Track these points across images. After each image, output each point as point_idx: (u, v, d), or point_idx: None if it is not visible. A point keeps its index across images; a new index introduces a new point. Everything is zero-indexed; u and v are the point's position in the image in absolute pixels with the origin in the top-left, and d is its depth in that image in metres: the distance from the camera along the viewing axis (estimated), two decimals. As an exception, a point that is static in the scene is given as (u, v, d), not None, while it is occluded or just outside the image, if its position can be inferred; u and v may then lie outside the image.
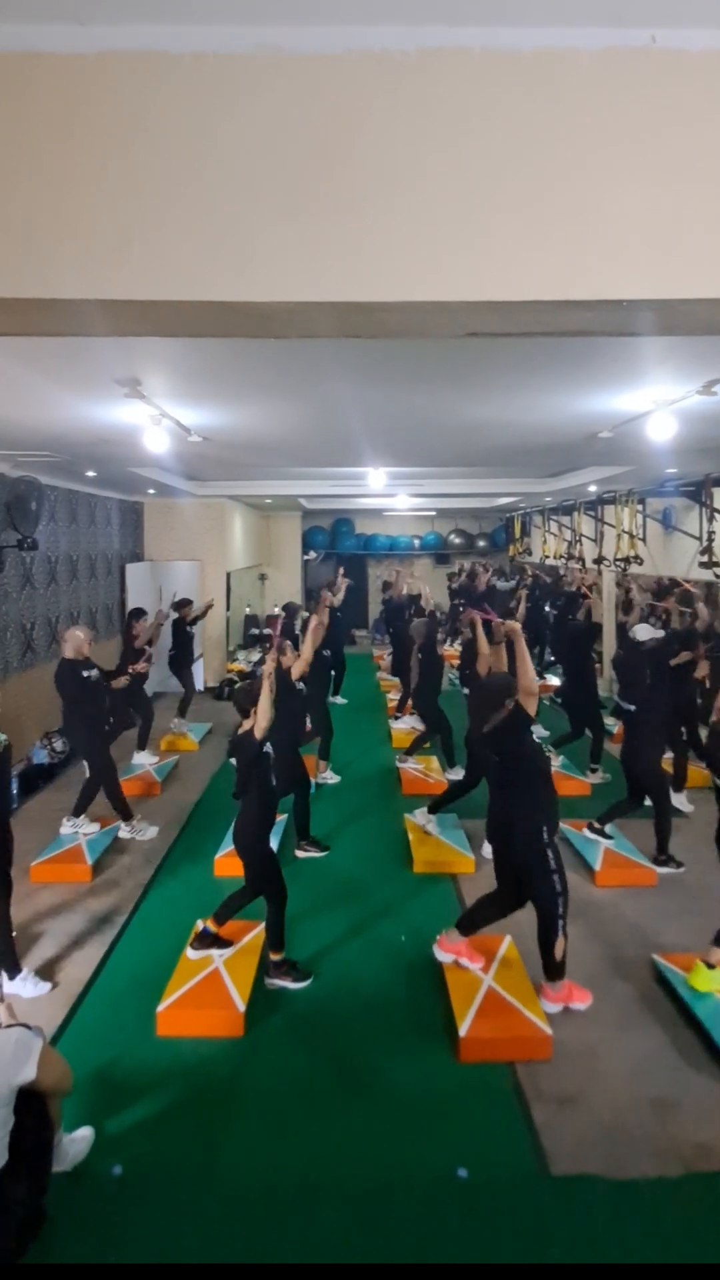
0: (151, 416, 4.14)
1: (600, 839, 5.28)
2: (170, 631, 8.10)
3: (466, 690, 6.42)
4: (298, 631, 8.11)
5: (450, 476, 9.23)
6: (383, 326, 1.75)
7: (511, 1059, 3.29)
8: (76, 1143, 2.77)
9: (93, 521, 9.01)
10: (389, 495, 11.25)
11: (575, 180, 1.53)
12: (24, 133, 1.51)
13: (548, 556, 12.29)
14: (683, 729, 6.30)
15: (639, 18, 1.47)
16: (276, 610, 13.10)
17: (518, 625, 3.87)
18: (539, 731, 3.66)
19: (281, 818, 5.35)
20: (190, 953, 3.87)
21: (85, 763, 5.73)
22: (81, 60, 1.50)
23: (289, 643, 5.16)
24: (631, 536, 8.78)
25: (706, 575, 7.22)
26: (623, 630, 6.47)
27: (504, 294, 1.55)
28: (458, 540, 16.18)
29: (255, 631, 13.41)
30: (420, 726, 7.45)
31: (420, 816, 5.67)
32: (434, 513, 15.74)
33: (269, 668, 3.87)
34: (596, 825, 5.34)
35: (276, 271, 1.54)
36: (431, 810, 5.63)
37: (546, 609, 10.34)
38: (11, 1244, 2.31)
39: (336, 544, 16.23)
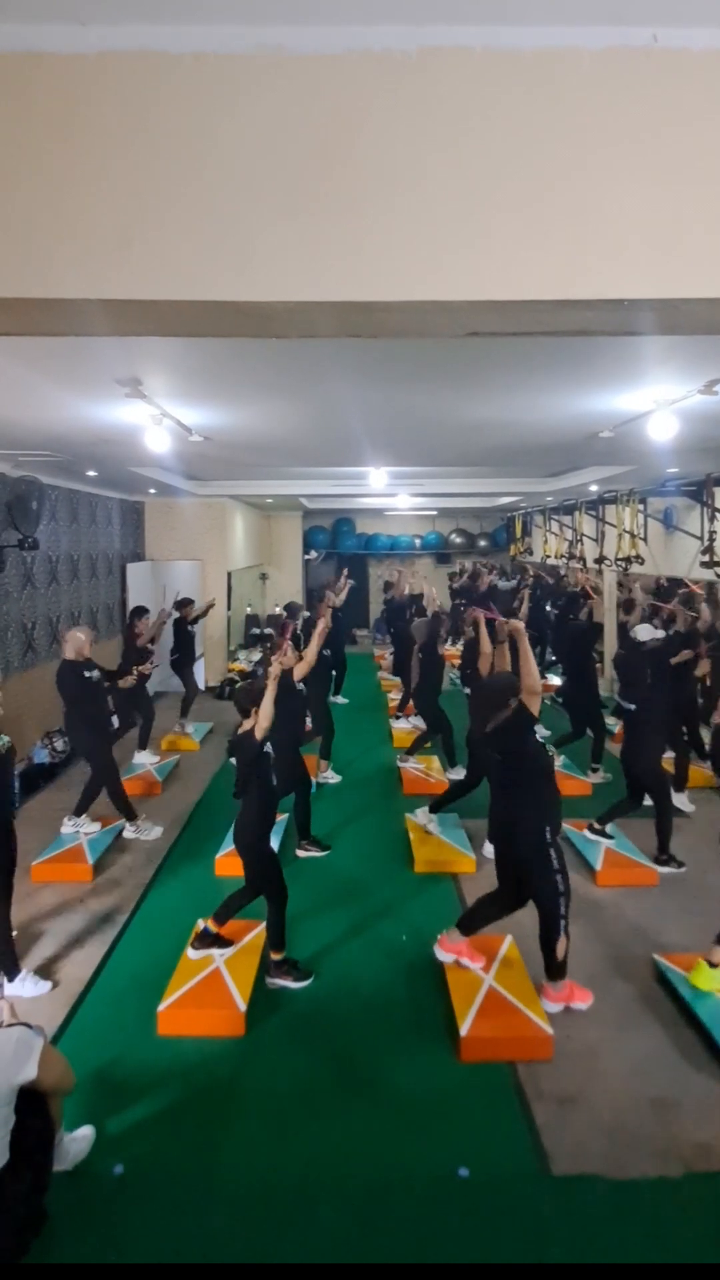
0: (152, 416, 4.14)
1: (601, 839, 5.28)
2: (171, 631, 8.10)
3: (468, 690, 6.42)
4: (299, 630, 8.12)
5: (451, 476, 9.22)
6: (383, 326, 1.75)
7: (512, 1059, 3.29)
8: (77, 1142, 2.78)
9: (93, 521, 9.02)
10: (390, 495, 11.25)
11: (575, 180, 1.53)
12: (24, 133, 1.51)
13: (549, 556, 12.28)
14: (684, 729, 6.30)
15: (640, 17, 1.47)
16: (277, 610, 13.13)
17: (521, 624, 3.87)
18: (540, 731, 3.66)
19: (282, 817, 5.36)
20: (191, 952, 3.87)
21: (88, 763, 5.73)
22: (81, 60, 1.50)
23: (289, 643, 5.15)
24: (633, 536, 8.77)
25: (708, 575, 7.21)
26: (623, 630, 6.47)
27: (504, 293, 1.55)
28: (459, 540, 16.17)
29: (256, 631, 13.41)
30: (423, 726, 7.45)
31: (421, 816, 5.68)
32: (435, 512, 15.74)
33: (275, 670, 3.89)
34: (597, 826, 5.34)
35: (277, 271, 1.53)
36: (433, 810, 5.63)
37: (547, 609, 10.34)
38: (12, 1243, 2.31)
39: (337, 543, 16.23)
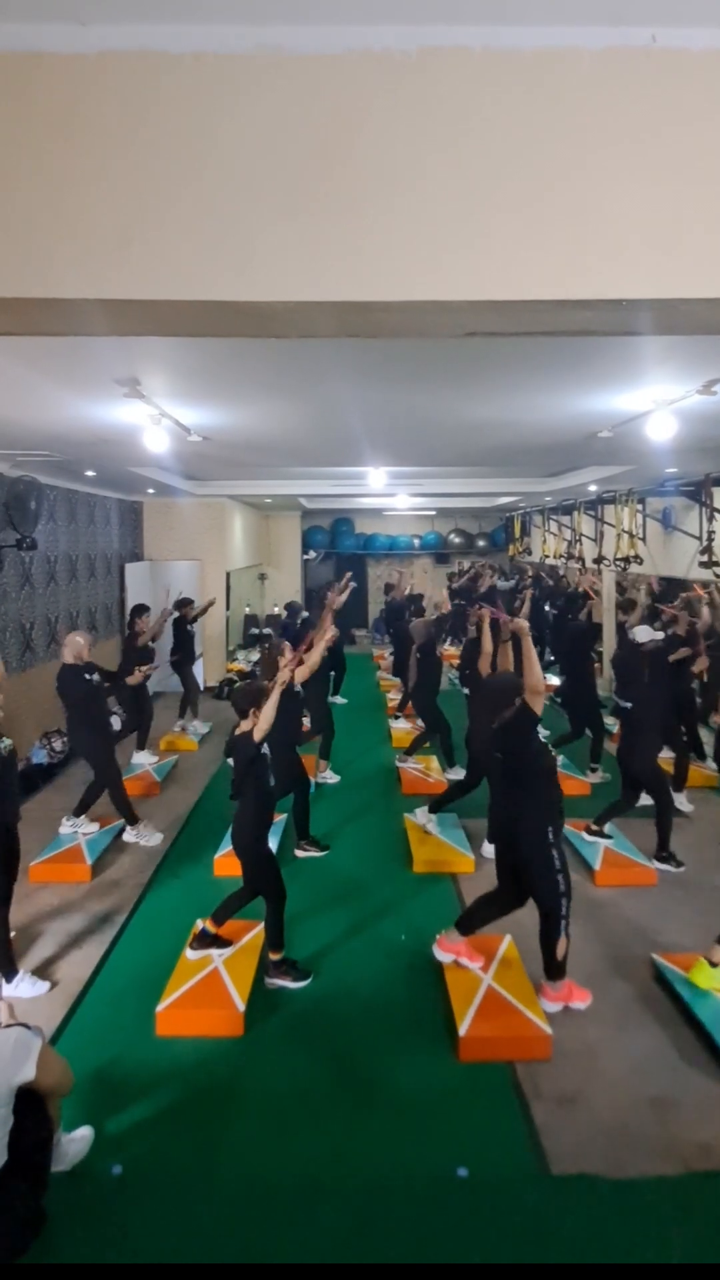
0: (151, 416, 4.14)
1: (600, 839, 5.28)
2: (171, 631, 8.10)
3: (466, 690, 6.42)
4: (300, 623, 8.14)
5: (450, 476, 9.23)
6: (383, 326, 1.75)
7: (511, 1058, 3.29)
8: (76, 1142, 2.77)
9: (92, 521, 9.01)
10: (389, 495, 11.26)
11: (575, 180, 1.53)
12: (24, 133, 1.51)
13: (547, 556, 12.29)
14: (683, 729, 6.30)
15: (639, 17, 1.47)
16: (276, 610, 13.13)
17: (525, 624, 3.86)
18: (539, 731, 3.66)
19: (281, 817, 5.36)
20: (189, 953, 3.87)
21: (90, 766, 5.72)
22: (82, 60, 1.50)
23: (288, 644, 5.14)
24: (631, 536, 8.78)
25: (706, 575, 7.22)
26: (622, 630, 6.47)
27: (504, 293, 1.55)
28: (458, 540, 16.18)
29: (255, 631, 13.41)
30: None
31: (421, 816, 5.68)
32: (434, 512, 15.75)
33: (285, 677, 3.92)
34: (595, 827, 5.34)
35: (276, 271, 1.54)
36: (432, 810, 5.64)
37: (546, 608, 10.35)
38: (11, 1243, 2.31)
39: (336, 543, 16.24)
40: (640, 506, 9.00)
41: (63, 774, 7.20)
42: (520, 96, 1.51)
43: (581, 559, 10.60)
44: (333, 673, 8.55)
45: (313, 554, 15.97)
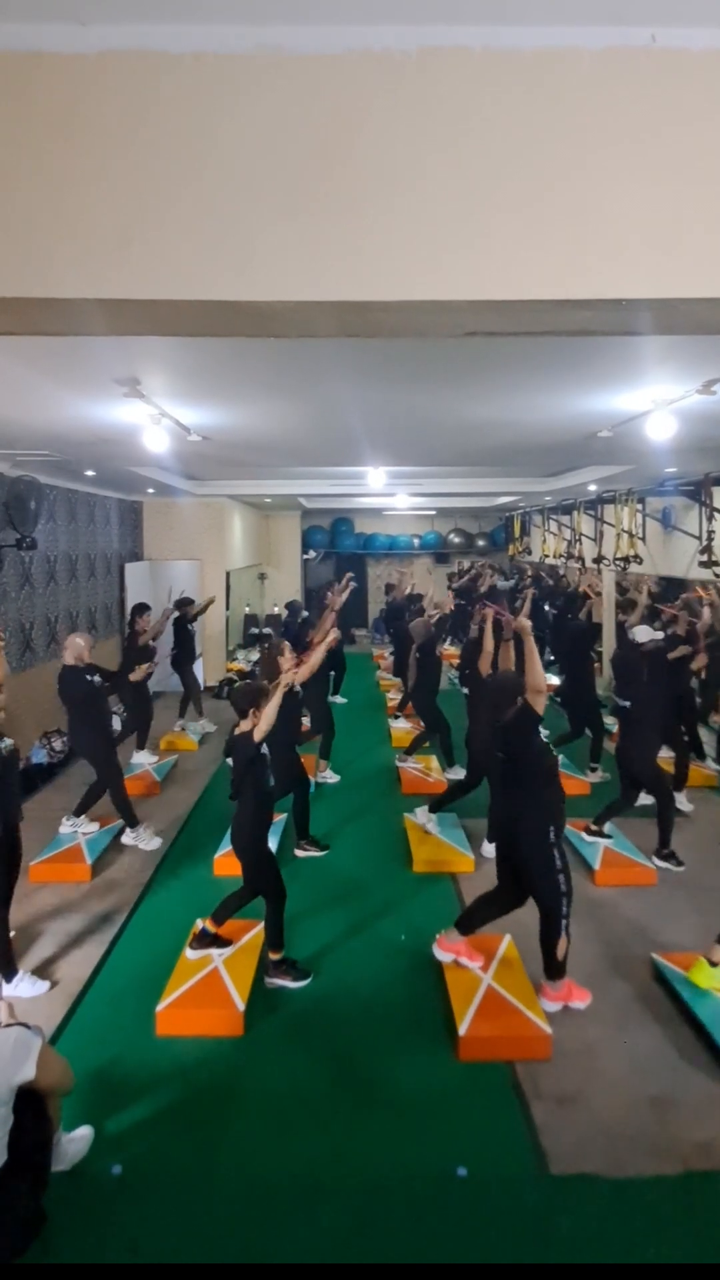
0: (151, 416, 4.14)
1: (599, 839, 5.28)
2: (171, 630, 8.10)
3: (465, 690, 6.42)
4: (300, 622, 8.14)
5: (450, 476, 9.23)
6: (382, 326, 1.75)
7: (511, 1058, 3.29)
8: (76, 1142, 2.77)
9: (92, 521, 9.01)
10: (388, 494, 11.25)
11: (575, 180, 1.53)
12: (24, 133, 1.51)
13: (547, 556, 12.29)
14: (682, 728, 6.31)
15: (639, 17, 1.47)
16: (276, 610, 13.13)
17: (528, 623, 3.87)
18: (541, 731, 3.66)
19: (281, 817, 5.36)
20: (189, 952, 3.87)
21: (92, 767, 5.70)
22: (82, 60, 1.50)
23: (287, 644, 5.14)
24: (631, 536, 8.78)
25: (706, 574, 7.22)
26: (622, 630, 6.47)
27: (504, 293, 1.55)
28: (457, 539, 16.18)
29: (254, 631, 13.41)
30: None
31: (421, 815, 5.68)
32: (433, 512, 15.74)
33: (288, 679, 3.93)
34: (594, 827, 5.34)
35: (276, 271, 1.54)
36: (433, 809, 5.64)
37: (546, 608, 10.35)
38: (11, 1243, 2.31)
39: (336, 543, 16.24)
40: (640, 506, 9.00)
41: (63, 774, 7.20)
42: (520, 96, 1.51)
43: (581, 559, 10.60)
44: (332, 673, 8.56)
45: (312, 554, 15.97)
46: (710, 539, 6.93)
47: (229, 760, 3.86)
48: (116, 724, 7.00)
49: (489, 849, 5.10)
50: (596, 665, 8.43)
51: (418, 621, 7.18)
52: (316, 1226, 2.53)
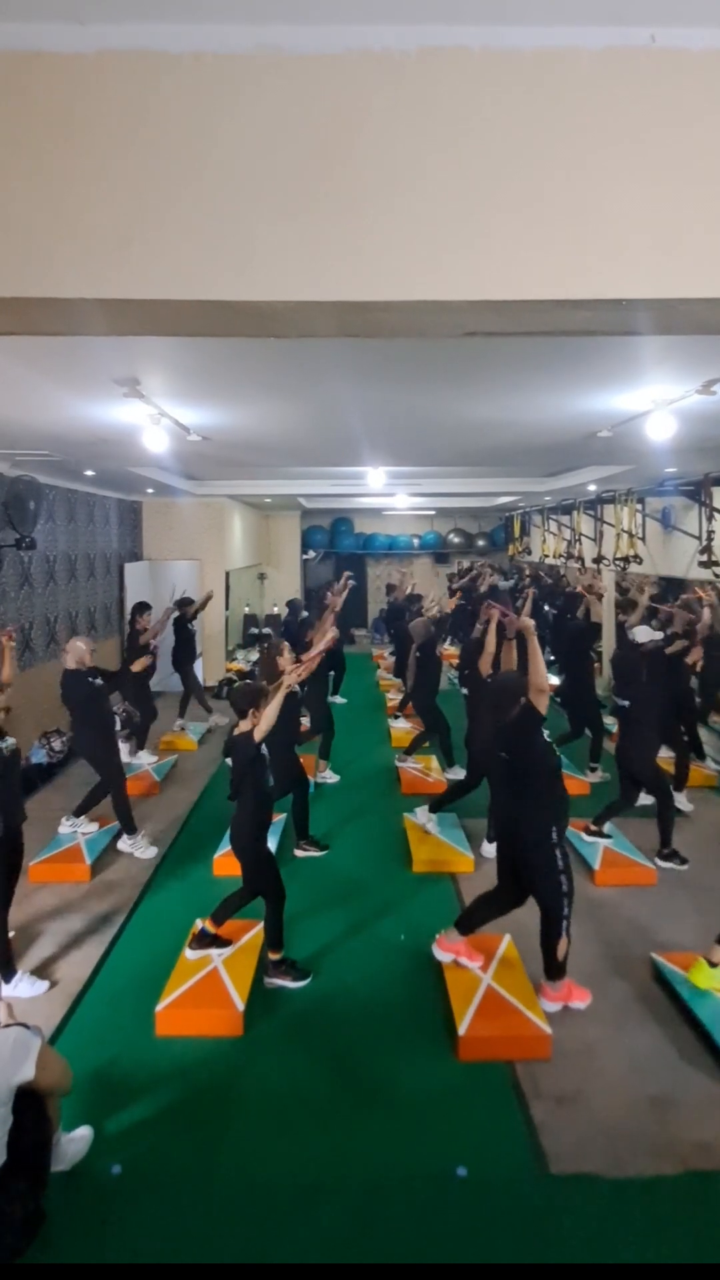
0: (150, 416, 4.13)
1: (599, 839, 5.29)
2: (171, 629, 8.10)
3: (465, 690, 6.42)
4: (300, 621, 8.14)
5: (450, 476, 9.23)
6: (382, 326, 1.75)
7: (511, 1058, 3.29)
8: (75, 1142, 2.77)
9: (91, 521, 9.01)
10: (388, 494, 11.26)
11: (575, 180, 1.53)
12: (23, 132, 1.50)
13: (547, 556, 12.29)
14: (682, 728, 6.31)
15: (639, 17, 1.47)
16: (275, 610, 13.13)
17: (531, 623, 3.87)
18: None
19: (280, 817, 5.36)
20: (189, 952, 3.87)
21: (95, 770, 5.69)
22: (81, 60, 1.49)
23: (287, 644, 5.14)
24: (631, 536, 8.78)
25: (705, 575, 7.22)
26: (622, 630, 6.47)
27: (504, 293, 1.55)
28: (457, 539, 16.17)
29: (254, 631, 13.41)
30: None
31: (421, 815, 5.68)
32: (433, 512, 15.74)
33: (290, 680, 3.94)
34: (594, 827, 5.34)
35: (276, 271, 1.53)
36: (433, 809, 5.64)
37: (546, 608, 10.35)
38: (10, 1243, 2.31)
39: (335, 543, 16.23)
40: (640, 506, 9.00)
41: (62, 774, 7.20)
42: (520, 96, 1.51)
43: (581, 559, 10.60)
44: (332, 673, 8.56)
45: (312, 554, 15.97)
46: (710, 539, 6.93)
47: (229, 760, 3.86)
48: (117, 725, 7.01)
49: (489, 849, 5.10)
50: (596, 665, 8.42)
51: (418, 621, 7.18)
52: (316, 1226, 2.53)
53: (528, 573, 12.96)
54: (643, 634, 5.37)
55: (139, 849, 5.45)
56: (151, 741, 7.61)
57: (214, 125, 1.51)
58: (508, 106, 1.51)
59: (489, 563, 13.85)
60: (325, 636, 5.32)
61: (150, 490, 9.55)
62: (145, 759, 7.30)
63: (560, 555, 11.62)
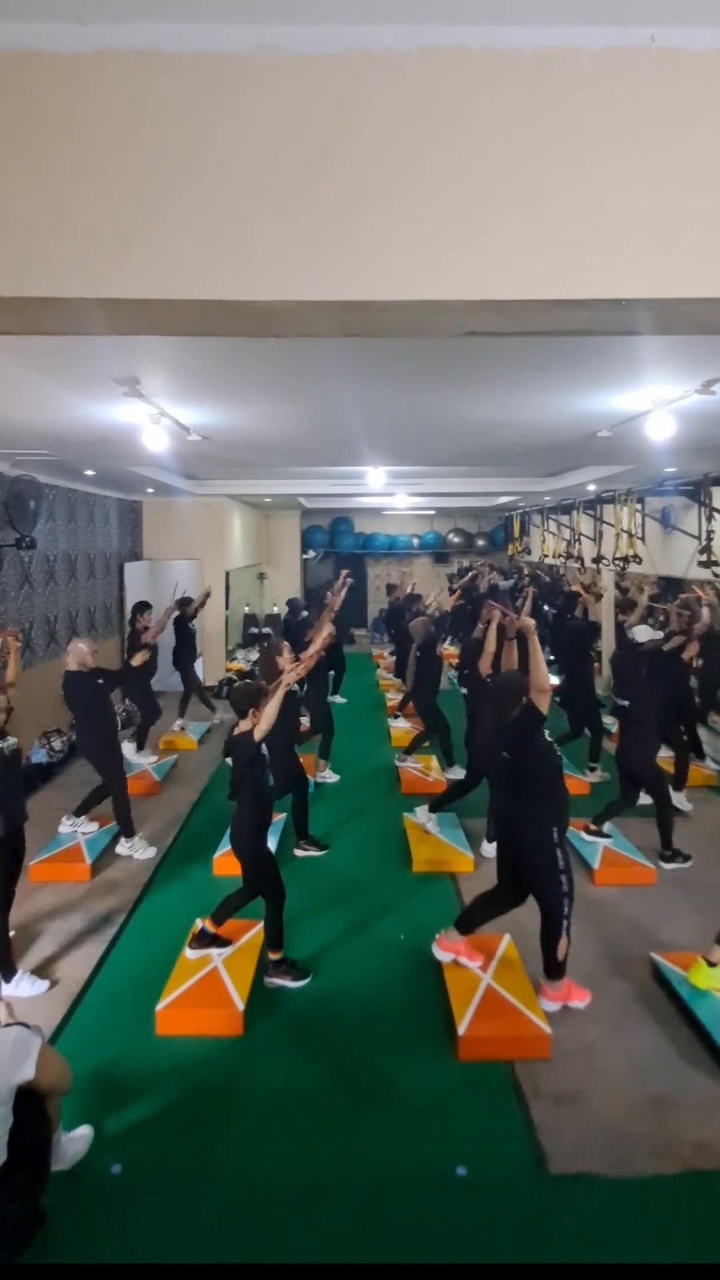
0: (150, 415, 4.13)
1: (599, 839, 5.29)
2: (172, 629, 8.10)
3: (464, 690, 6.42)
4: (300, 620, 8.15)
5: (449, 475, 9.22)
6: (382, 326, 1.75)
7: (510, 1057, 3.29)
8: (75, 1142, 2.77)
9: (91, 520, 9.00)
10: (388, 494, 11.26)
11: (574, 180, 1.53)
12: (24, 132, 1.51)
13: (546, 555, 12.29)
14: (682, 728, 6.31)
15: (639, 17, 1.47)
16: (275, 610, 13.13)
17: (531, 622, 3.87)
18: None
19: (280, 817, 5.36)
20: (189, 952, 3.87)
21: (97, 771, 5.68)
22: (81, 59, 1.49)
23: (286, 644, 5.14)
24: (630, 535, 8.78)
25: (705, 574, 7.22)
26: (622, 629, 6.48)
27: (504, 293, 1.55)
28: (457, 539, 16.17)
29: (254, 631, 13.40)
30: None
31: (421, 815, 5.68)
32: (433, 511, 15.74)
33: (290, 678, 3.96)
34: (594, 827, 5.35)
35: (276, 271, 1.54)
36: (432, 809, 5.64)
37: (545, 608, 10.35)
38: (10, 1243, 2.31)
39: (335, 543, 16.23)
40: (639, 506, 9.00)
41: (62, 773, 7.20)
42: (520, 96, 1.51)
43: (581, 558, 10.60)
44: (332, 672, 8.56)
45: (312, 553, 15.96)
46: (709, 539, 6.93)
47: (228, 760, 3.87)
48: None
49: (489, 849, 5.10)
50: (596, 665, 8.42)
51: (418, 621, 7.19)
52: (316, 1226, 2.53)
53: (526, 572, 12.96)
54: (642, 633, 5.37)
55: (138, 850, 5.45)
56: (151, 741, 7.61)
57: (214, 125, 1.51)
58: (508, 106, 1.51)
59: (488, 562, 13.85)
60: (322, 635, 5.32)
61: (150, 490, 9.55)
62: (145, 759, 7.30)
63: (560, 555, 11.62)
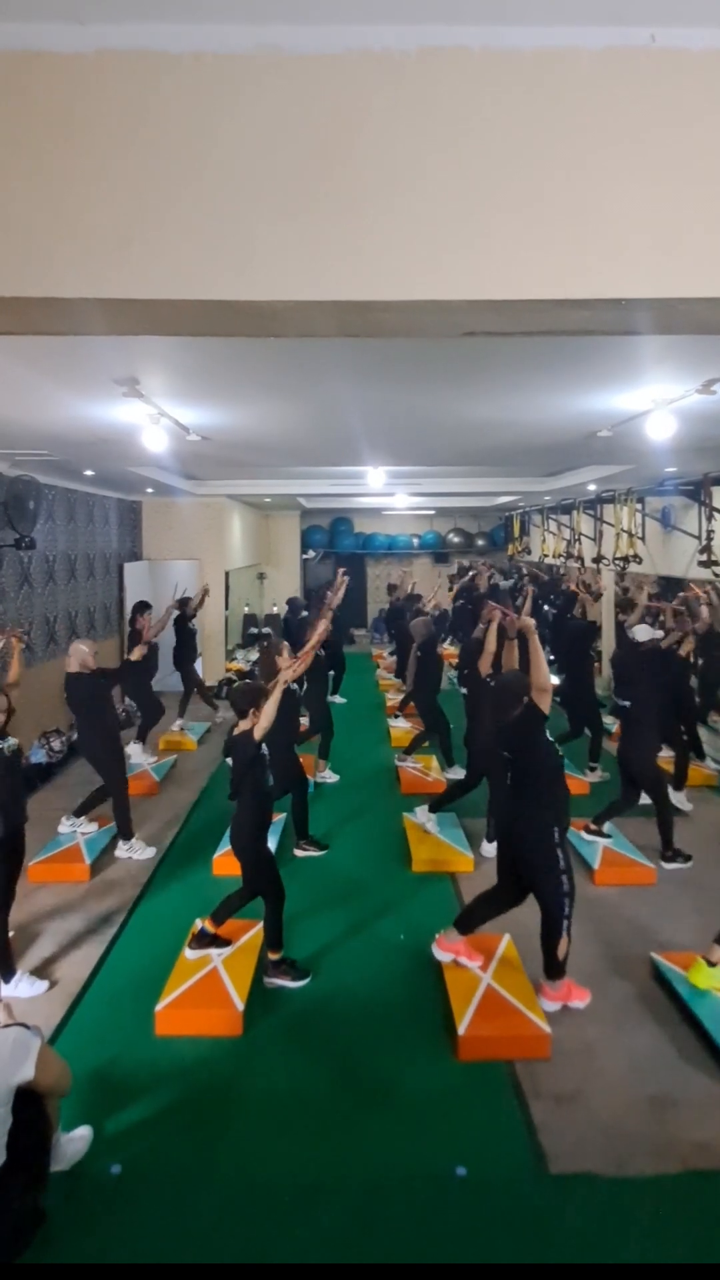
0: (150, 416, 4.13)
1: (598, 839, 5.29)
2: (172, 628, 8.10)
3: (464, 690, 6.42)
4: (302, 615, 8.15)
5: (449, 475, 9.23)
6: (382, 326, 1.75)
7: (510, 1057, 3.29)
8: (75, 1142, 2.77)
9: (90, 521, 9.00)
10: (388, 494, 11.26)
11: (574, 180, 1.53)
12: (24, 132, 1.50)
13: (546, 555, 12.29)
14: (682, 728, 6.31)
15: (639, 16, 1.47)
16: (275, 610, 13.12)
17: (532, 622, 3.86)
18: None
19: (280, 817, 5.36)
20: (188, 952, 3.87)
21: (98, 773, 5.67)
22: (81, 59, 1.49)
23: (286, 644, 5.14)
24: (630, 535, 8.78)
25: (705, 574, 7.22)
26: (622, 629, 6.48)
27: (504, 293, 1.55)
28: (457, 539, 16.17)
29: (254, 631, 13.40)
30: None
31: (421, 815, 5.68)
32: (433, 511, 15.73)
33: (289, 676, 3.96)
34: (594, 826, 5.35)
35: (276, 271, 1.54)
36: (432, 809, 5.64)
37: (545, 608, 10.35)
38: (10, 1243, 2.31)
39: (335, 543, 16.23)
40: (639, 506, 9.00)
41: (61, 773, 7.20)
42: (520, 96, 1.51)
43: (581, 558, 10.60)
44: (331, 672, 8.56)
45: (311, 553, 15.96)
46: (709, 539, 6.93)
47: (228, 760, 3.87)
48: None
49: (489, 849, 5.10)
50: (596, 665, 8.42)
51: (418, 621, 7.19)
52: (316, 1226, 2.53)
53: (525, 572, 12.96)
54: (643, 633, 5.37)
55: (137, 852, 5.45)
56: (151, 741, 7.61)
57: (214, 125, 1.51)
58: (508, 106, 1.51)
59: (487, 562, 13.85)
60: (318, 631, 5.33)
61: (150, 490, 9.55)
62: (145, 759, 7.30)
63: (560, 555, 11.62)
